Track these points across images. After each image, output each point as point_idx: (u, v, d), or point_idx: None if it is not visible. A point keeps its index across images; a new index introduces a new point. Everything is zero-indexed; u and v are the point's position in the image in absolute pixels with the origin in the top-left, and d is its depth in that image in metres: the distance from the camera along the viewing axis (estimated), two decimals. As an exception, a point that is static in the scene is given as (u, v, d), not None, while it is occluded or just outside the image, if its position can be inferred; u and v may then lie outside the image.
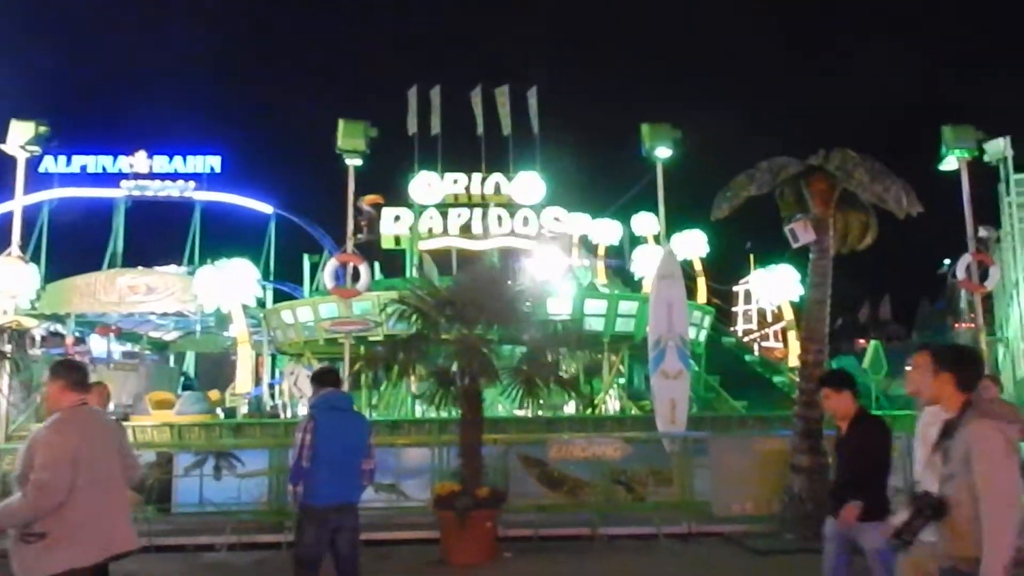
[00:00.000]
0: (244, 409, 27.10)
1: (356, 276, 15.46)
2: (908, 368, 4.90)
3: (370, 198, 23.00)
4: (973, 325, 20.49)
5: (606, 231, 34.65)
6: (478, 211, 26.38)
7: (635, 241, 34.17)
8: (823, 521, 5.61)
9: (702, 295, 33.51)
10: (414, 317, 10.42)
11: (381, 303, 18.07)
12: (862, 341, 43.68)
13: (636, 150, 17.26)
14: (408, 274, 27.39)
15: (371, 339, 19.51)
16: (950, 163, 15.26)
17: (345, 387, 9.46)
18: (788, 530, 9.88)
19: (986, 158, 18.94)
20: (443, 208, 26.31)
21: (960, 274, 15.22)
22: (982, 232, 20.43)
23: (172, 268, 35.74)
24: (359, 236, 18.07)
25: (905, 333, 50.52)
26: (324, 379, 6.42)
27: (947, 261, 15.80)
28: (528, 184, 26.73)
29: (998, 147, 19.40)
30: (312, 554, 5.92)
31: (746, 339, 44.79)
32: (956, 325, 32.76)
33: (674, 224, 28.50)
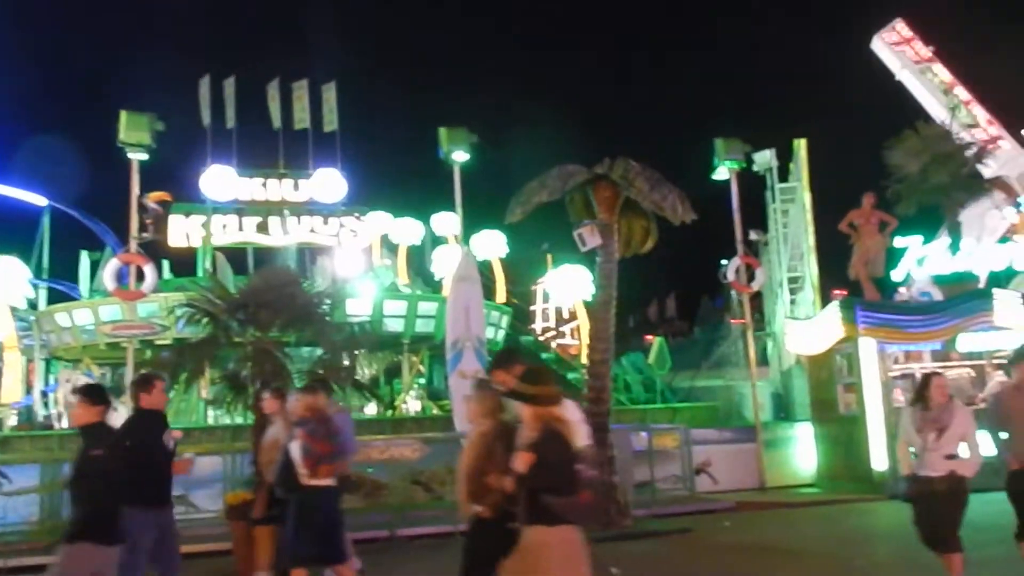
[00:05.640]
0: (13, 420, 25.05)
1: (140, 277, 14.63)
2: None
3: (155, 195, 21.74)
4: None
5: (407, 231, 34.62)
6: (275, 214, 25.56)
7: (436, 241, 34.38)
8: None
9: (501, 295, 34.21)
10: (204, 321, 10.09)
11: (169, 305, 17.21)
12: (650, 337, 46.09)
13: (435, 151, 17.42)
14: (200, 274, 26.22)
15: (158, 343, 18.56)
16: (722, 173, 16.44)
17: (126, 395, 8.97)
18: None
19: (755, 168, 20.57)
20: (238, 209, 25.34)
21: (730, 275, 16.47)
22: (753, 235, 22.13)
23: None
24: (144, 235, 17.08)
25: (688, 329, 53.84)
26: None
27: (724, 262, 17.13)
28: (328, 182, 26.23)
29: (765, 158, 21.14)
30: None
31: (543, 337, 46.16)
32: (732, 321, 35.28)
33: (474, 224, 28.97)
